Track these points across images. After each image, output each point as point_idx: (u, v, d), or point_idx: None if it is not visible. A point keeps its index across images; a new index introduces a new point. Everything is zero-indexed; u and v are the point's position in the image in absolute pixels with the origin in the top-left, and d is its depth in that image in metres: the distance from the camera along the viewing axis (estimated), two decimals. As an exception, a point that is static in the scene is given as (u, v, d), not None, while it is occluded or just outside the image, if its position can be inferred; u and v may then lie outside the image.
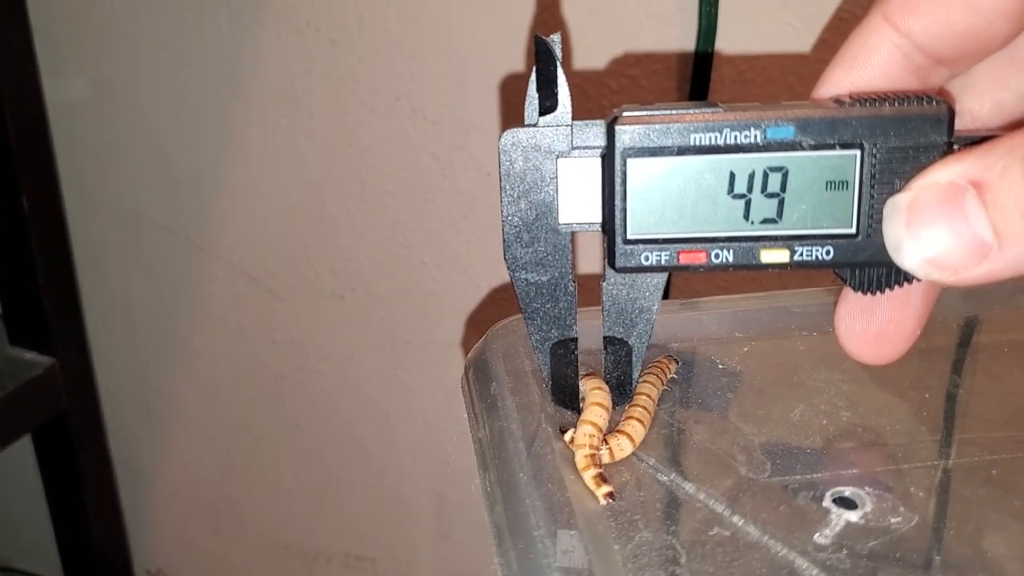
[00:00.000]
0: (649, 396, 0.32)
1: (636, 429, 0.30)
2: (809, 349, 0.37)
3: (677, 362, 0.35)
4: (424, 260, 0.78)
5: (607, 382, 0.31)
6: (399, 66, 0.72)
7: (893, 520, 0.27)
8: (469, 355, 0.37)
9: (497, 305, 0.76)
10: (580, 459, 0.29)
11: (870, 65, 0.28)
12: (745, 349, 0.37)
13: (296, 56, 0.76)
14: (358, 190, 0.79)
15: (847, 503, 0.28)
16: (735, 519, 0.27)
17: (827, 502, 0.28)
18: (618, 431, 0.30)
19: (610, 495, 0.28)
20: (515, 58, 0.68)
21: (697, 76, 0.59)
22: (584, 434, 0.29)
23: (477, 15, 0.68)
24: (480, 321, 0.77)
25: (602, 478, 0.28)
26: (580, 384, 0.32)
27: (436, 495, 0.88)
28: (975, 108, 0.29)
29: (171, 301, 0.94)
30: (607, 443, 0.30)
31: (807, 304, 0.39)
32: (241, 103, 0.81)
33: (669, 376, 0.34)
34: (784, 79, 0.58)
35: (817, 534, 0.27)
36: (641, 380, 0.33)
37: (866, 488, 0.29)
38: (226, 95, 0.81)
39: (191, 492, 1.03)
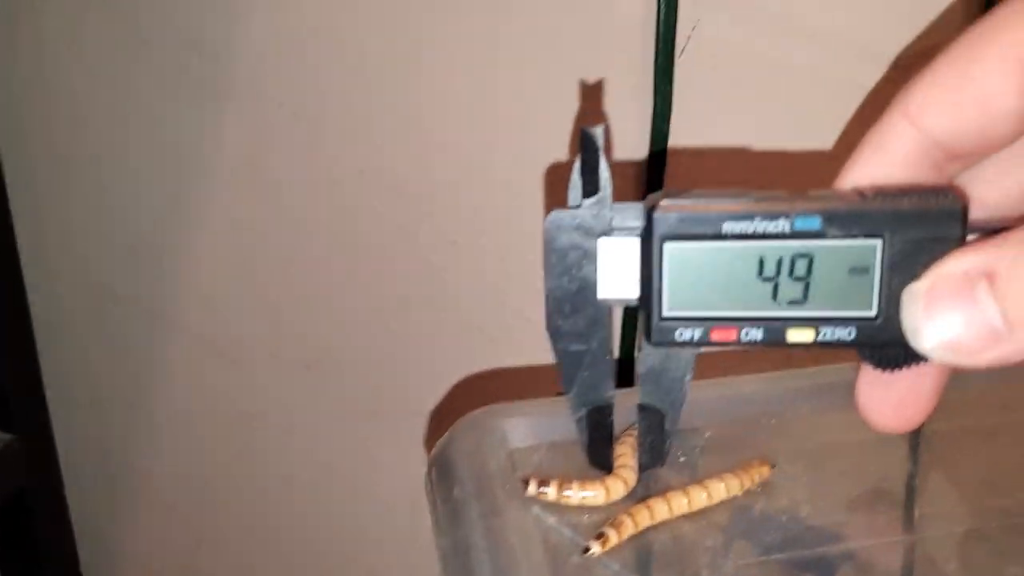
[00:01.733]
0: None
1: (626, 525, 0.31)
2: (767, 438, 0.37)
3: (772, 466, 0.35)
4: (392, 329, 0.78)
5: (640, 446, 0.33)
6: (362, 138, 0.73)
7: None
8: (432, 452, 0.36)
9: (466, 388, 0.76)
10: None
11: (890, 157, 0.30)
12: (707, 434, 0.37)
13: (257, 129, 0.77)
14: (324, 262, 0.78)
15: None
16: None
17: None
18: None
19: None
20: (480, 127, 0.68)
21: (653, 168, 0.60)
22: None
23: (437, 86, 0.68)
24: (450, 401, 0.77)
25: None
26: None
27: (409, 569, 0.87)
28: (984, 195, 0.31)
29: (134, 373, 0.92)
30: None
31: (766, 390, 0.39)
32: (202, 175, 0.81)
33: (757, 481, 0.35)
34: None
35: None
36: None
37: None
38: (187, 167, 0.81)
39: (158, 568, 1.01)
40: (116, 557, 1.02)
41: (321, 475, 0.87)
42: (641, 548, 0.31)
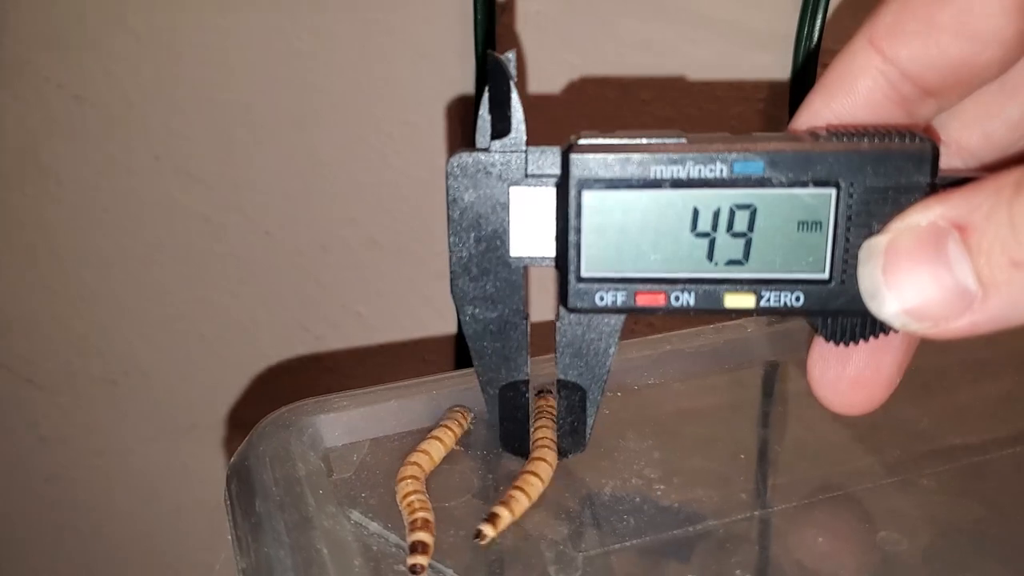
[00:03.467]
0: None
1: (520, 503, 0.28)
2: (615, 411, 0.33)
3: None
4: (203, 333, 0.71)
5: (559, 428, 0.29)
6: (155, 122, 0.66)
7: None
8: (232, 460, 0.31)
9: (284, 374, 0.70)
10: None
11: (853, 93, 0.25)
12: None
13: (36, 115, 0.68)
14: (120, 261, 0.71)
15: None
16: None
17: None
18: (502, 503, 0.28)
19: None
20: (290, 110, 0.63)
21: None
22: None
23: (236, 65, 0.62)
24: (251, 401, 0.71)
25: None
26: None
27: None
28: (962, 138, 0.27)
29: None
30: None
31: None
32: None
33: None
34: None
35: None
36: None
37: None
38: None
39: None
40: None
41: (138, 499, 0.79)
42: (477, 547, 0.27)
